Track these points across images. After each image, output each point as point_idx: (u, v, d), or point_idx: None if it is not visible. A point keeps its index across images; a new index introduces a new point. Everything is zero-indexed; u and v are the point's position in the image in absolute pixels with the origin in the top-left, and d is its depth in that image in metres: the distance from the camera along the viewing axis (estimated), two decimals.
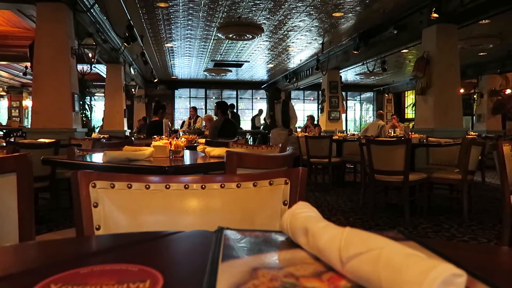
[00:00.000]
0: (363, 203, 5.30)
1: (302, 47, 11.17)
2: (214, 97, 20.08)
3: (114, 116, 10.83)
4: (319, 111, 13.76)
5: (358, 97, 21.97)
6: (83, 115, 9.89)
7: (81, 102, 7.46)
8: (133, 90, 13.08)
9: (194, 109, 11.63)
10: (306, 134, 9.21)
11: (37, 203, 4.46)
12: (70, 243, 0.79)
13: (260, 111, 16.13)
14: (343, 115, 14.88)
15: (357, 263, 0.44)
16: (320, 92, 14.25)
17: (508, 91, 12.76)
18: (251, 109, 19.84)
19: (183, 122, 16.08)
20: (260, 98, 20.63)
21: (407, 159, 4.35)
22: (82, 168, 2.23)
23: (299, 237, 0.56)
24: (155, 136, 2.59)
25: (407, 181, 4.42)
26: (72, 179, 0.94)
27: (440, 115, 7.03)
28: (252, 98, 20.76)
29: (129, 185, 0.99)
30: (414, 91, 13.07)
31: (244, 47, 11.28)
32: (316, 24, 8.81)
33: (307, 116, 12.84)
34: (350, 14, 8.09)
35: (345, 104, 17.44)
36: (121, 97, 10.98)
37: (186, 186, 1.02)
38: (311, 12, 7.97)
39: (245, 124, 16.76)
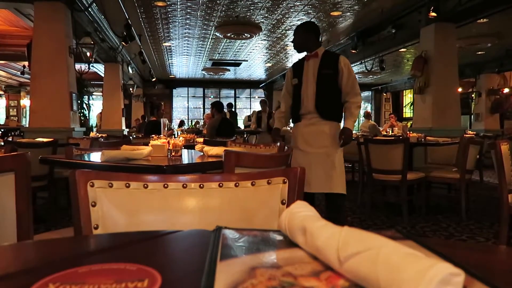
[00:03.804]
0: (361, 202, 5.30)
1: None
2: (212, 96, 20.08)
3: (112, 115, 10.82)
4: None
5: None
6: (81, 114, 9.88)
7: (79, 101, 7.46)
8: (131, 89, 13.07)
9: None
10: None
11: (35, 202, 4.46)
12: (68, 242, 0.79)
13: (254, 113, 16.13)
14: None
15: (355, 262, 0.44)
16: None
17: (506, 90, 12.78)
18: (249, 108, 19.85)
19: (181, 121, 16.11)
20: (258, 97, 20.62)
21: (405, 158, 4.36)
22: (80, 167, 2.22)
23: (297, 236, 0.56)
24: (153, 136, 2.59)
25: (405, 180, 4.42)
26: (70, 178, 0.94)
27: (438, 114, 7.04)
28: (250, 97, 20.77)
29: (127, 184, 0.99)
30: (412, 90, 13.10)
31: (242, 46, 11.27)
32: None
33: None
34: (348, 13, 8.10)
35: None
36: (119, 96, 10.97)
37: (184, 185, 1.02)
38: (309, 11, 7.97)
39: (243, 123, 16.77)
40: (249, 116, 15.76)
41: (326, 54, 3.65)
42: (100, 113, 12.85)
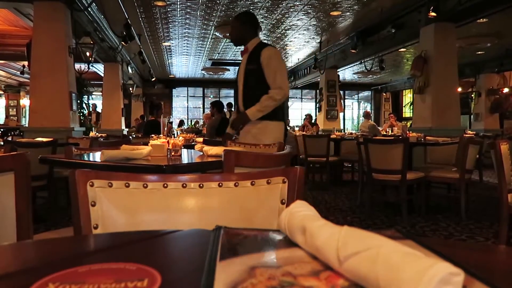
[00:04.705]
0: (361, 202, 5.31)
1: (300, 46, 11.17)
2: (211, 96, 20.08)
3: (111, 115, 10.83)
4: (317, 110, 13.78)
5: (356, 96, 22.00)
6: (81, 114, 9.88)
7: (78, 101, 7.46)
8: (130, 89, 13.08)
9: None
10: (304, 133, 9.23)
11: (34, 202, 4.46)
12: (68, 242, 0.79)
13: None
14: (341, 114, 14.91)
15: (355, 262, 0.44)
16: (318, 91, 14.26)
17: (505, 90, 12.79)
18: None
19: (181, 121, 16.11)
20: None
21: (404, 158, 4.36)
22: (80, 167, 2.22)
23: (297, 236, 0.56)
24: (152, 135, 2.58)
25: (405, 180, 4.43)
26: (70, 178, 0.94)
27: (438, 114, 7.04)
28: None
29: (127, 184, 0.99)
30: (412, 90, 13.11)
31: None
32: (314, 23, 8.81)
33: (305, 115, 12.86)
34: (348, 13, 8.10)
35: (342, 103, 17.45)
36: (119, 96, 10.98)
37: (184, 185, 1.02)
38: (309, 11, 7.97)
39: None
40: None
41: (256, 47, 3.38)
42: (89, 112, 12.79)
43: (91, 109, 12.89)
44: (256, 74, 3.29)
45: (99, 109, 13.58)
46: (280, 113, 3.40)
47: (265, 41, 10.50)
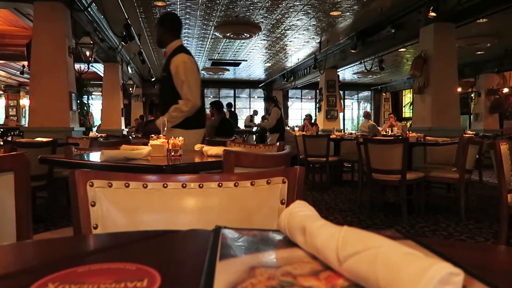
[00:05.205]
0: (361, 202, 5.30)
1: (300, 46, 11.17)
2: (211, 96, 20.09)
3: (111, 115, 10.83)
4: (317, 110, 13.77)
5: (356, 96, 22.01)
6: (81, 114, 9.88)
7: (78, 101, 7.45)
8: (130, 89, 13.08)
9: None
10: (304, 133, 9.23)
11: (34, 202, 4.46)
12: (68, 242, 0.79)
13: (255, 112, 16.16)
14: (341, 114, 14.91)
15: (355, 262, 0.44)
16: (317, 91, 14.27)
17: (505, 90, 12.80)
18: (249, 108, 19.85)
19: None
20: (258, 97, 20.63)
21: (404, 158, 4.36)
22: (79, 167, 2.22)
23: (297, 236, 0.56)
24: (152, 135, 2.57)
25: (405, 180, 4.43)
26: (70, 178, 0.94)
27: (437, 114, 7.04)
28: (250, 97, 20.78)
29: (126, 184, 0.99)
30: (411, 90, 13.10)
31: (241, 46, 11.27)
32: (314, 23, 8.81)
33: (305, 115, 12.86)
34: (348, 13, 8.10)
35: (342, 103, 17.46)
36: (119, 96, 10.98)
37: (184, 185, 1.02)
38: (309, 11, 7.97)
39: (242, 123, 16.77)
40: (251, 116, 15.78)
41: (172, 53, 3.24)
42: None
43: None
44: (168, 81, 3.19)
45: (93, 109, 13.60)
46: (194, 121, 3.31)
47: (265, 41, 10.58)
